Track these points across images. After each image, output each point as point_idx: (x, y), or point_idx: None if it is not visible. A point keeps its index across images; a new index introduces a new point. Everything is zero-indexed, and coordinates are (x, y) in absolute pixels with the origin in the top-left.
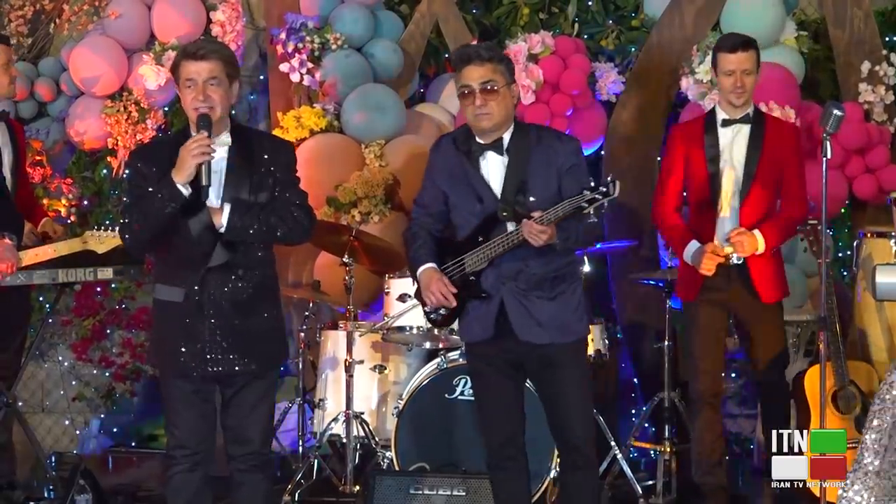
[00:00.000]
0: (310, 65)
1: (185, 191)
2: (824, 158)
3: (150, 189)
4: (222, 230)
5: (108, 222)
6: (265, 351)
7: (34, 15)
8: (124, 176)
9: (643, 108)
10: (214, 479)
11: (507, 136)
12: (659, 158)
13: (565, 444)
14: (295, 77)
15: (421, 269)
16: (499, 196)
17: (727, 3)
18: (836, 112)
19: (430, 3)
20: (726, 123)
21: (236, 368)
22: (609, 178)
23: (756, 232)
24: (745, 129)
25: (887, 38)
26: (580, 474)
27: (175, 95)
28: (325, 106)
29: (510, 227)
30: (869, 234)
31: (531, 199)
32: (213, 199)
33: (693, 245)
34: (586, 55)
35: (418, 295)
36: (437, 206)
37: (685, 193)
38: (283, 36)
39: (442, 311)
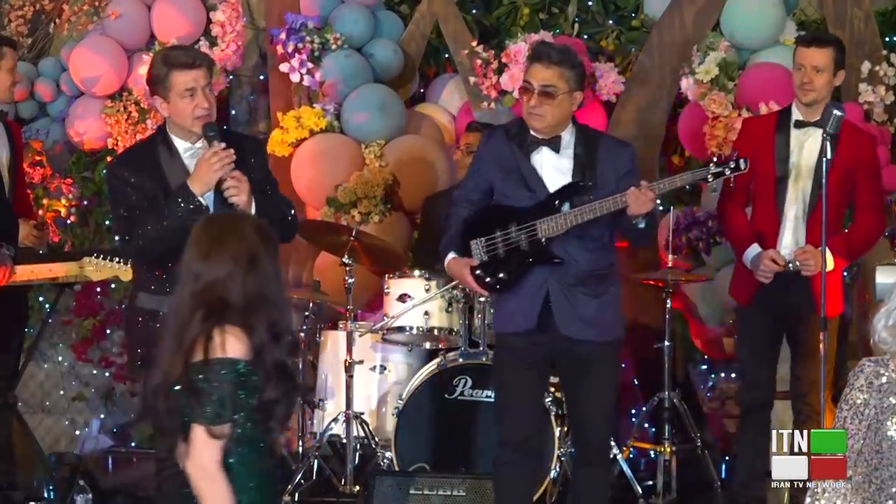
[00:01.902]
0: (310, 65)
1: (205, 202)
2: (824, 159)
3: (161, 199)
4: None
5: (107, 222)
6: None
7: (34, 15)
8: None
9: (643, 108)
10: None
11: (566, 136)
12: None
13: (585, 441)
14: (295, 77)
15: (447, 259)
16: (549, 188)
17: (727, 3)
18: (837, 112)
19: (430, 4)
20: (799, 125)
21: None
22: (736, 154)
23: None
24: (818, 134)
25: (887, 39)
26: (594, 471)
27: None
28: (325, 106)
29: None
30: None
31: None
32: (205, 200)
33: (754, 249)
34: (586, 55)
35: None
36: (477, 195)
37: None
38: (283, 36)
39: (502, 276)
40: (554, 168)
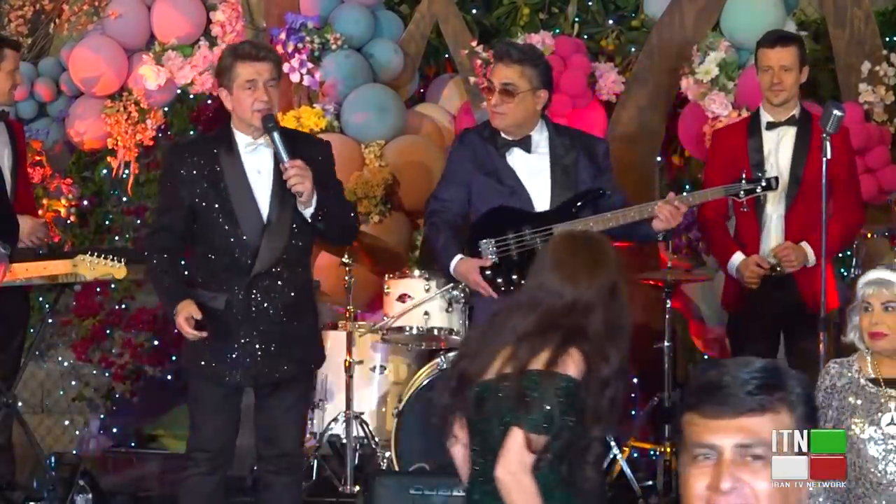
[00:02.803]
0: (310, 65)
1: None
2: (824, 159)
3: (170, 284)
4: (309, 212)
5: (107, 222)
6: (306, 354)
7: (34, 15)
8: (123, 175)
9: (643, 108)
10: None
11: (535, 135)
12: (659, 158)
13: None
14: (295, 77)
15: (454, 262)
16: (527, 188)
17: (727, 3)
18: (837, 112)
19: (430, 4)
20: (771, 126)
21: (277, 375)
22: (769, 173)
23: (804, 244)
24: (791, 132)
25: (887, 39)
26: (587, 469)
27: (176, 95)
28: (325, 106)
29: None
30: (869, 234)
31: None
32: (264, 201)
33: (737, 257)
34: (586, 55)
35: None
36: (461, 200)
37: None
38: (283, 36)
39: (515, 278)
40: (528, 169)
